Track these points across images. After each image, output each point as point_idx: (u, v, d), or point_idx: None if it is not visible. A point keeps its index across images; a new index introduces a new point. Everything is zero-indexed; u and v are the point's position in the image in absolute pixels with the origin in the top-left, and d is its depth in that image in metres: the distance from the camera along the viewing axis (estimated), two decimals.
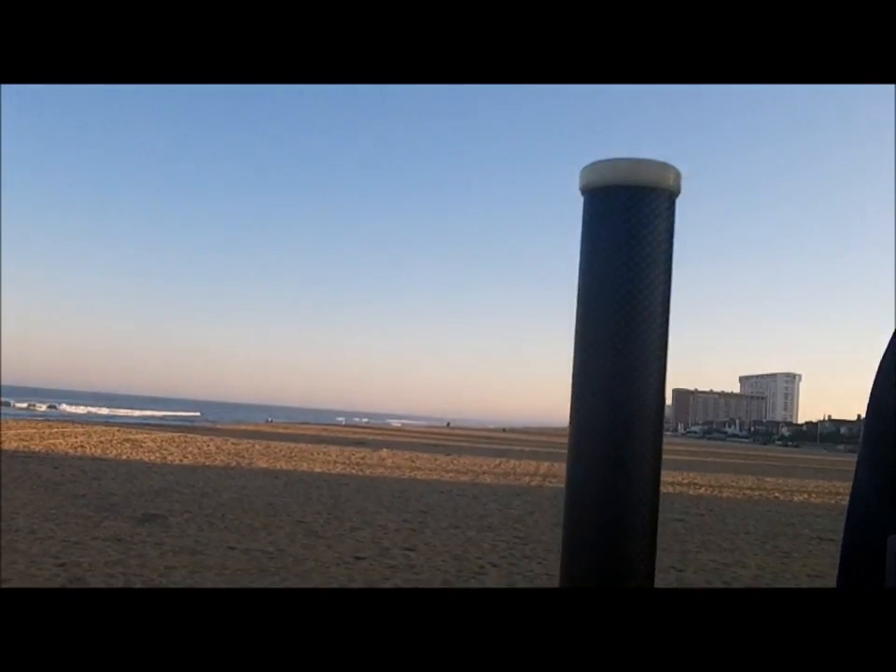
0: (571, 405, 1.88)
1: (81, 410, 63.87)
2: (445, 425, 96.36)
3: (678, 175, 1.84)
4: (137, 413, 68.86)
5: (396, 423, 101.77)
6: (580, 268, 1.84)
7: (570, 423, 1.91)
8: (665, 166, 1.90)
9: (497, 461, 22.10)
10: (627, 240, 1.78)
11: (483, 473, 16.84)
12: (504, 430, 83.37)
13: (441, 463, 19.55)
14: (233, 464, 15.09)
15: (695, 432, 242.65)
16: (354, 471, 15.15)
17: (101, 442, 18.16)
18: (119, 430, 24.86)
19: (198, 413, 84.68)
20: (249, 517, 8.10)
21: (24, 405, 63.29)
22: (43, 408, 62.62)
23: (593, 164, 2.02)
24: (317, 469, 15.03)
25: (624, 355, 1.86)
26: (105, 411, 66.29)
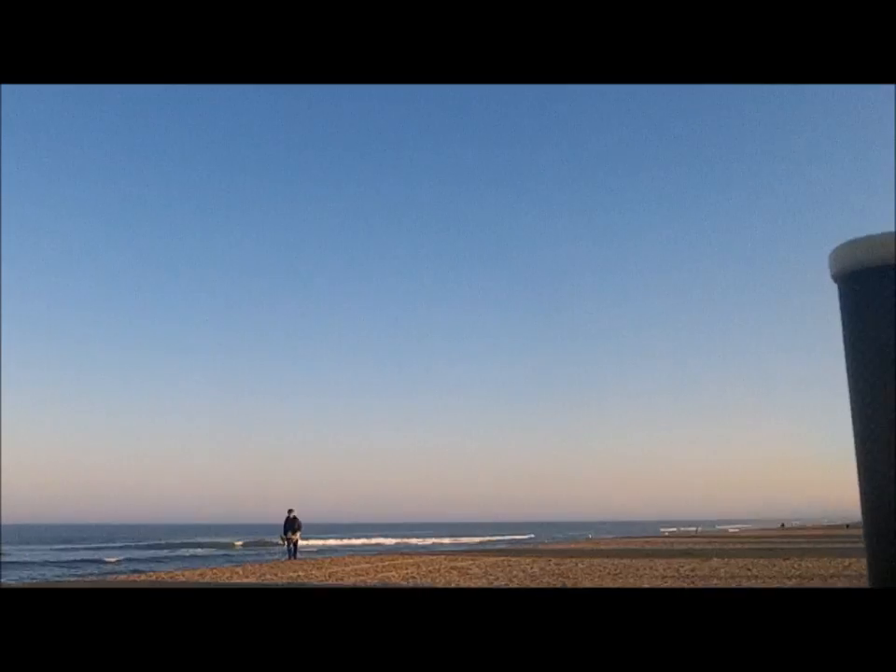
0: (860, 493, 1.73)
1: (426, 541, 67.51)
2: (779, 526, 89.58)
3: None
4: (476, 539, 71.90)
5: (730, 528, 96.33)
6: (848, 357, 1.65)
7: (862, 512, 1.93)
8: None
9: (846, 562, 19.92)
10: None
11: (832, 577, 15.19)
12: (847, 526, 75.48)
13: (781, 569, 17.97)
14: (558, 585, 14.76)
15: None
16: (684, 584, 14.24)
17: (430, 571, 18.57)
18: (445, 558, 25.43)
19: (532, 535, 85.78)
20: None
21: (361, 541, 67.91)
22: (391, 542, 66.82)
23: (846, 246, 1.76)
24: (645, 585, 14.31)
25: None
26: (447, 540, 69.72)
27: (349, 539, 73.38)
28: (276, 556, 28.75)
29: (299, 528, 27.14)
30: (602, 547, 35.88)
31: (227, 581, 17.17)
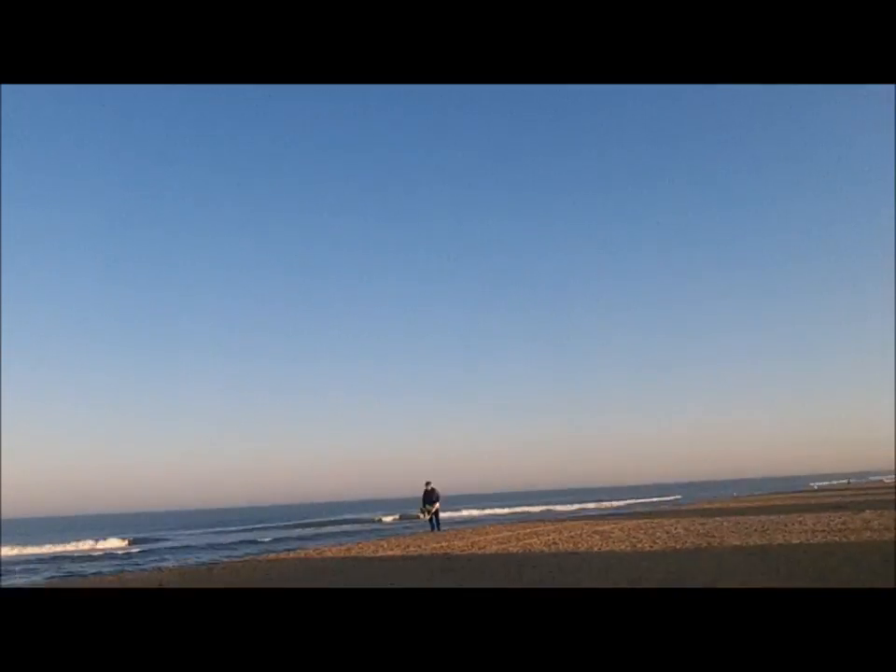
0: None
1: (572, 507, 67.79)
2: None
3: None
4: (623, 503, 72.39)
5: (885, 479, 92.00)
6: None
7: None
8: None
9: None
10: None
11: None
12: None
13: None
14: (703, 544, 14.45)
15: None
16: (836, 538, 13.77)
17: (571, 537, 18.50)
18: (587, 524, 25.34)
19: (679, 496, 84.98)
20: None
21: (506, 510, 68.60)
22: (537, 510, 67.26)
23: None
24: (794, 541, 13.90)
25: None
26: (592, 505, 69.72)
27: (493, 508, 73.78)
28: (421, 529, 29.26)
29: (437, 500, 27.40)
30: (748, 504, 35.01)
31: (372, 554, 17.63)
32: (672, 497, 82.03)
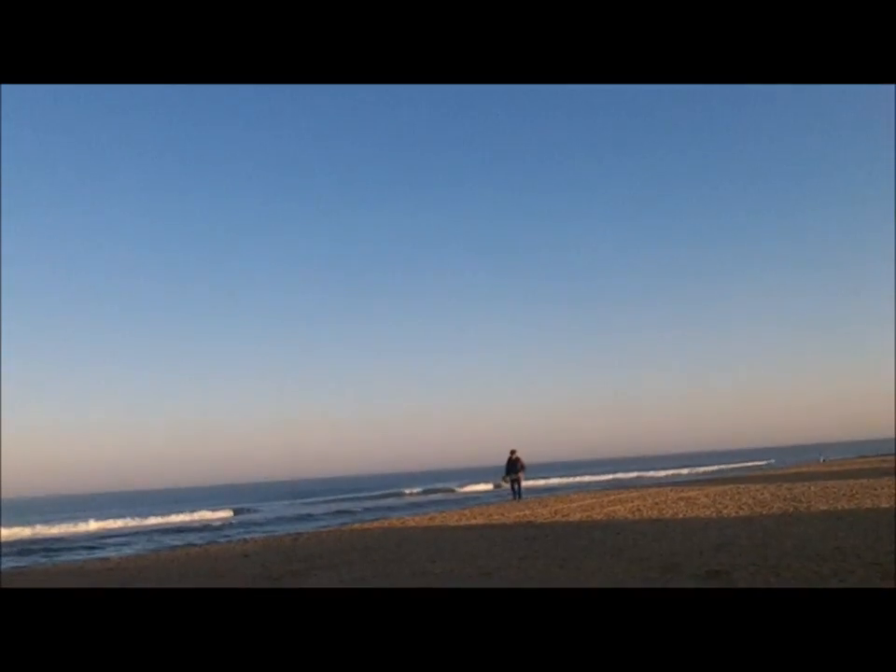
0: None
1: (667, 473, 66.97)
2: None
3: None
4: (714, 468, 72.03)
5: None
6: None
7: None
8: None
9: None
10: None
11: None
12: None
13: None
14: (790, 510, 14.33)
15: None
16: None
17: (656, 504, 18.48)
18: (671, 490, 25.13)
19: (772, 461, 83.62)
20: (815, 564, 7.56)
21: (600, 477, 67.99)
22: (630, 476, 66.70)
23: None
24: (884, 504, 13.66)
25: None
26: (685, 471, 68.95)
27: (583, 476, 72.39)
28: (510, 499, 29.31)
29: (522, 469, 26.95)
30: (836, 469, 34.28)
31: (455, 523, 17.83)
32: (765, 462, 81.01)
